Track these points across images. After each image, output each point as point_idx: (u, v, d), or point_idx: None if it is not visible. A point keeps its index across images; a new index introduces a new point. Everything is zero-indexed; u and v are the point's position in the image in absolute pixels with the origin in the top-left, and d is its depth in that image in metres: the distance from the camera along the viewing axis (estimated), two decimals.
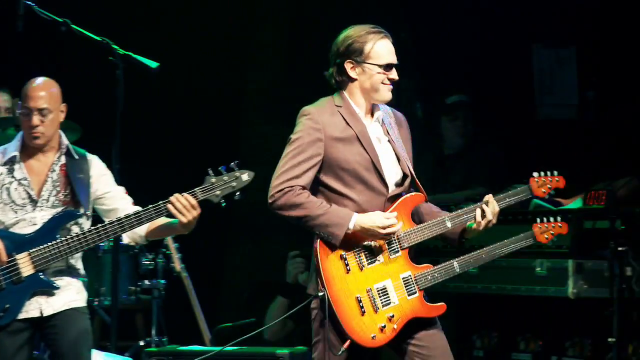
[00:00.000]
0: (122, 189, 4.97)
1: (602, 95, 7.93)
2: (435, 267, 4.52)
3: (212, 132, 8.99)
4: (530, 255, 6.72)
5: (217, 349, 5.58)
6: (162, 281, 6.99)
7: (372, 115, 4.48)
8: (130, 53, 4.99)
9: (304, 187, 4.31)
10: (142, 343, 6.90)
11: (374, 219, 4.32)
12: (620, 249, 6.09)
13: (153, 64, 5.09)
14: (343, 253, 4.36)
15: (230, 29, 9.01)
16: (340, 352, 4.34)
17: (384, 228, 4.30)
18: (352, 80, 4.41)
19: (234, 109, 9.31)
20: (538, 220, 4.75)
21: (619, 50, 7.76)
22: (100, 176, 4.92)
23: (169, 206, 4.56)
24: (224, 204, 4.57)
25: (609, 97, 7.90)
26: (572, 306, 6.76)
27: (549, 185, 4.70)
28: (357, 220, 4.30)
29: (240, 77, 9.32)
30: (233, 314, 8.59)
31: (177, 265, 7.01)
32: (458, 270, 4.55)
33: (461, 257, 4.57)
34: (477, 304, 7.45)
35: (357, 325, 4.35)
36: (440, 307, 4.49)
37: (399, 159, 4.49)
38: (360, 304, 4.36)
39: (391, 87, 4.42)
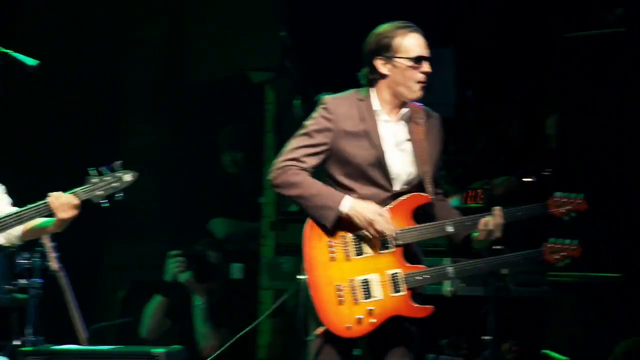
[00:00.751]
0: (2, 189, 4.95)
1: (481, 94, 8.06)
2: (429, 269, 4.53)
3: (91, 131, 8.90)
4: None
5: (94, 348, 5.57)
6: (39, 280, 6.87)
7: (398, 112, 4.51)
8: (8, 51, 4.87)
9: (304, 169, 4.39)
10: (17, 342, 6.79)
11: (366, 209, 4.34)
12: (495, 247, 6.19)
13: (32, 62, 5.01)
14: (331, 241, 4.42)
15: (110, 26, 8.92)
16: (309, 337, 4.45)
17: (370, 222, 4.33)
18: (384, 76, 4.44)
19: (112, 107, 9.23)
20: (551, 239, 4.74)
21: (497, 50, 7.89)
22: None
23: (49, 203, 4.47)
24: (105, 204, 4.51)
25: (487, 97, 8.02)
26: (448, 304, 6.89)
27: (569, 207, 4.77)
28: (352, 204, 4.34)
29: (119, 74, 9.25)
30: (110, 313, 8.55)
31: (54, 264, 6.90)
32: (452, 275, 4.66)
33: (459, 264, 4.71)
34: None
35: (332, 313, 4.39)
36: (427, 308, 4.49)
37: (417, 160, 4.50)
38: (340, 293, 4.38)
39: (424, 85, 4.43)
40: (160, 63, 9.12)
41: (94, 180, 4.50)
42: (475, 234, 4.58)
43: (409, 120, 4.51)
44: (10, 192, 4.93)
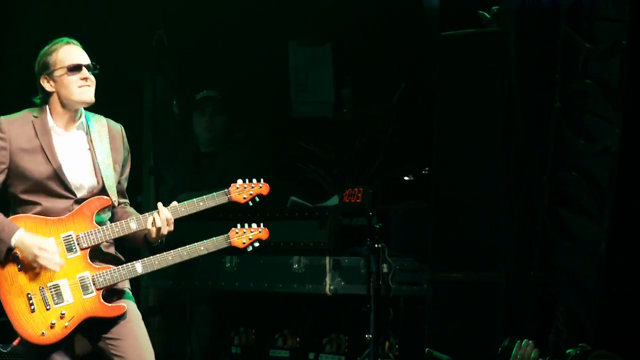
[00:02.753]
0: None
1: (357, 93, 8.11)
2: (116, 268, 4.61)
3: None
4: (288, 253, 6.82)
5: None
6: None
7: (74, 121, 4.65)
8: None
9: None
10: None
11: (32, 244, 4.43)
12: (376, 245, 6.22)
13: None
14: (17, 252, 4.47)
15: None
16: (8, 349, 4.93)
17: (34, 257, 4.41)
18: (50, 93, 4.58)
19: None
20: (238, 225, 4.78)
21: (374, 49, 7.94)
22: None
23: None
24: None
25: (364, 95, 8.08)
26: (329, 303, 6.90)
27: (250, 192, 4.80)
28: (20, 238, 4.43)
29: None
30: None
31: None
32: (140, 271, 4.63)
33: (146, 259, 4.66)
34: (235, 301, 7.49)
35: (26, 322, 4.48)
36: (118, 307, 4.61)
37: (95, 167, 4.63)
38: (31, 301, 4.49)
39: (86, 86, 4.58)
40: None
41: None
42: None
43: (88, 131, 4.68)
44: None
